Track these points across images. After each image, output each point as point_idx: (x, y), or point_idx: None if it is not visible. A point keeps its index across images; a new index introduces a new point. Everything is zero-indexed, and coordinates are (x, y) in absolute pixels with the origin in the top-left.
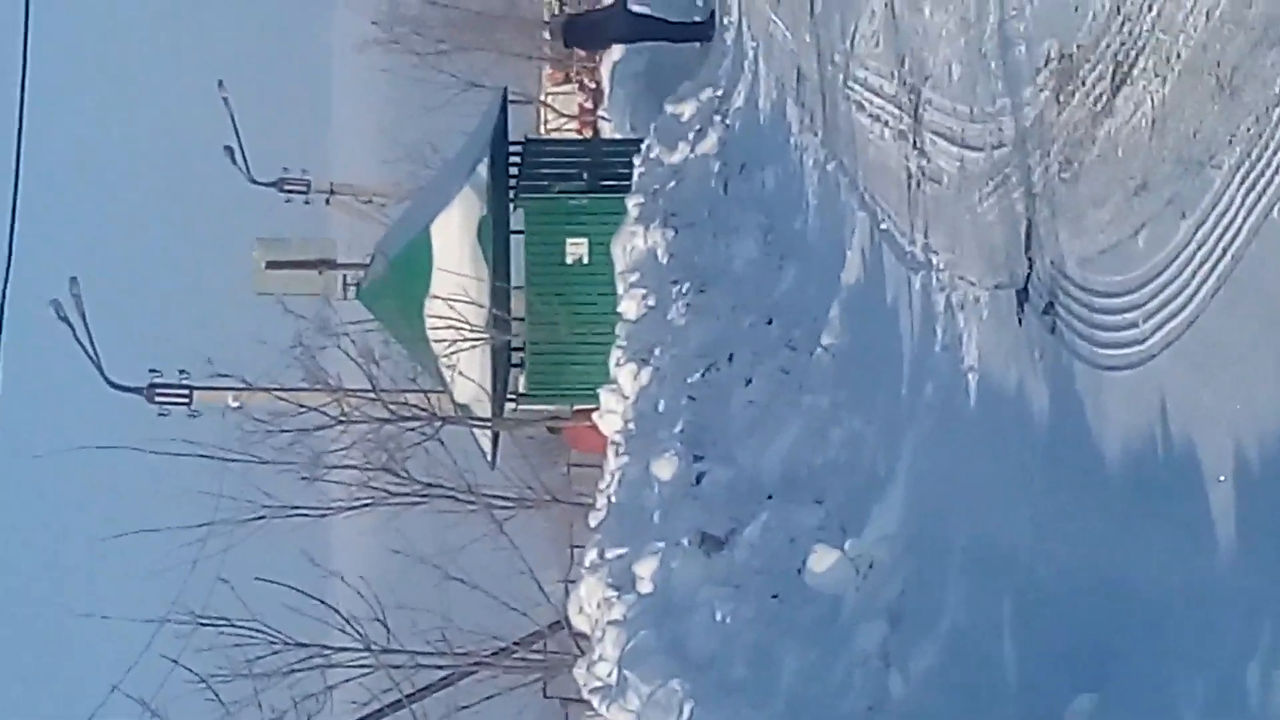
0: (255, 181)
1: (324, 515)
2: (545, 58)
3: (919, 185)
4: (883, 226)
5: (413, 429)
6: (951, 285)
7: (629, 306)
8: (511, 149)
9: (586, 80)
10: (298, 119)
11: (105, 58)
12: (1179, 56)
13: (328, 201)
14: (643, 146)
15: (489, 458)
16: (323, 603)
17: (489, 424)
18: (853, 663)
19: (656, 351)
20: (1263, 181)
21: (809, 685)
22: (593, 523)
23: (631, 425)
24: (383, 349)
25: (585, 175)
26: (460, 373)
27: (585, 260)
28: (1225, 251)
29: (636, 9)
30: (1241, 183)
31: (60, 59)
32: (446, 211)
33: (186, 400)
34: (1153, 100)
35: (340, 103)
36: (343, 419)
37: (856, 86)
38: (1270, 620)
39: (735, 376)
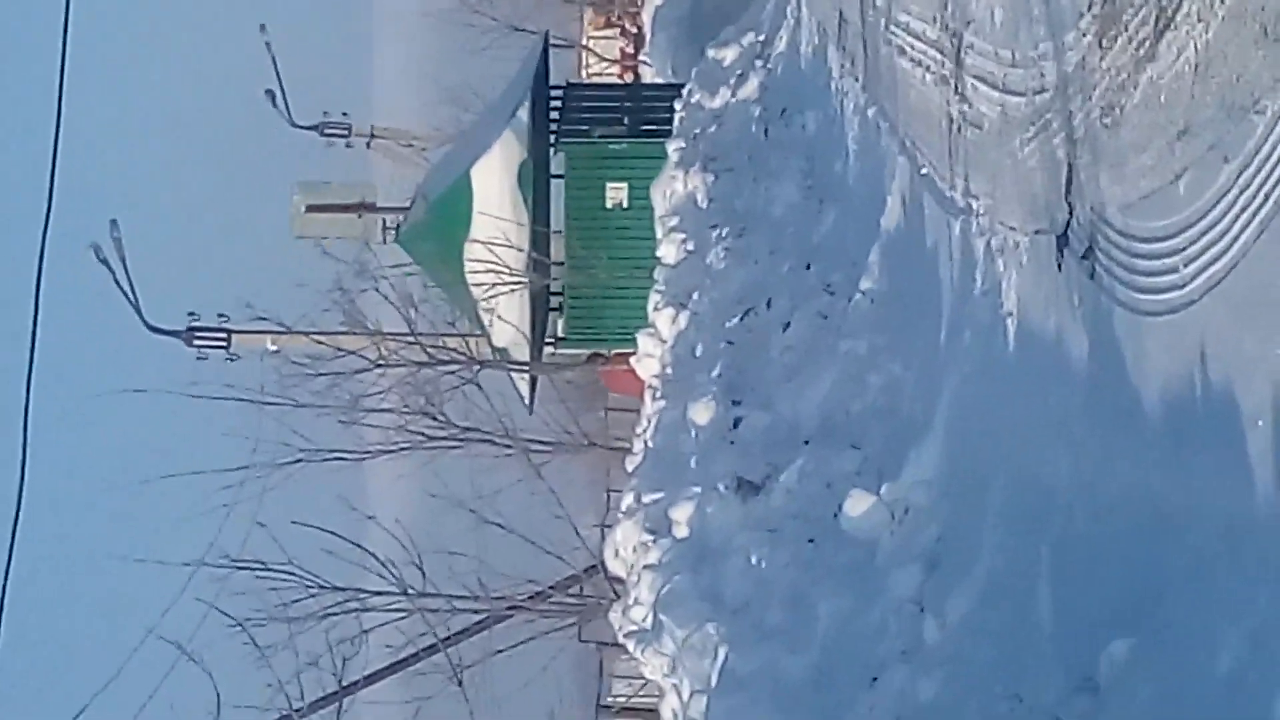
0: (296, 125)
1: (361, 459)
2: (587, 2)
3: (960, 130)
4: (923, 171)
5: (451, 373)
6: (991, 230)
7: (668, 251)
8: (552, 93)
9: (628, 25)
10: (339, 62)
11: (148, 2)
12: (1222, 2)
13: (368, 145)
14: (684, 91)
15: (526, 402)
16: (359, 547)
17: (527, 368)
18: (888, 608)
19: (695, 296)
20: None
21: (844, 630)
22: (630, 467)
23: (669, 370)
24: (421, 293)
25: (626, 120)
26: (499, 316)
27: (625, 205)
28: (1267, 197)
29: None
30: None
31: (101, 4)
32: (487, 155)
33: (225, 344)
34: (1196, 46)
35: (381, 46)
36: (381, 363)
37: (898, 31)
38: None
39: (773, 321)
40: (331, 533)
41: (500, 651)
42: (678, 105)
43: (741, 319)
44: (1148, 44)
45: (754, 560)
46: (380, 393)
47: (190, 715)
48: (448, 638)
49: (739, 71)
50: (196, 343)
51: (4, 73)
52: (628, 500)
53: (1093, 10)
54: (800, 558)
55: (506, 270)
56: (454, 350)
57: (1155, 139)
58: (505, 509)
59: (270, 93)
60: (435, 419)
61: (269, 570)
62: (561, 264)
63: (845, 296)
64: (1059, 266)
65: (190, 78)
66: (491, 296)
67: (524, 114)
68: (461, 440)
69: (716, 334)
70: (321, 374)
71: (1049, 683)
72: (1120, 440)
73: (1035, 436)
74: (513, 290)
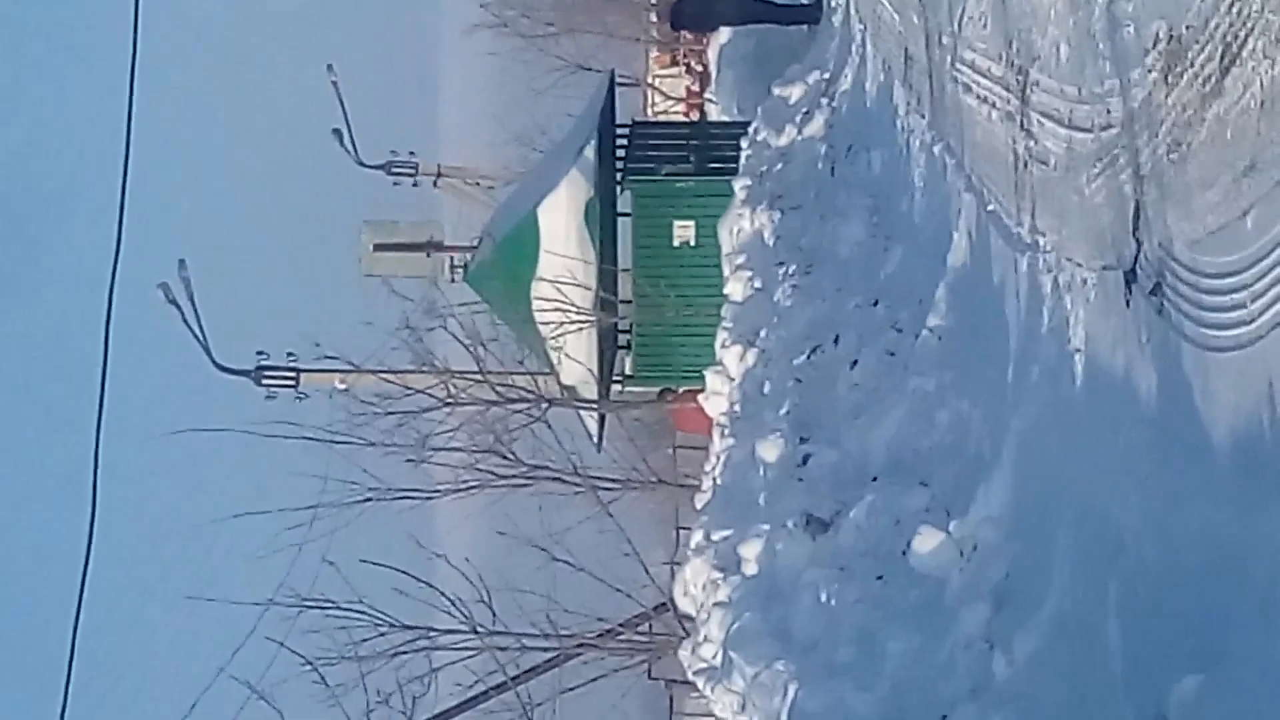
0: (363, 164)
1: (430, 498)
2: (652, 40)
3: (1026, 166)
4: (989, 208)
5: (519, 411)
6: (1058, 267)
7: (735, 288)
8: (619, 132)
9: (693, 63)
10: (406, 102)
11: (215, 42)
12: None
13: (435, 184)
14: (750, 129)
15: (595, 440)
16: (428, 585)
17: (595, 406)
18: (957, 645)
19: (762, 333)
20: None
21: (913, 667)
22: (698, 504)
23: (737, 407)
24: (489, 331)
25: (692, 158)
26: (567, 355)
27: (692, 242)
28: None
29: None
30: None
31: (170, 43)
32: (554, 194)
33: (294, 383)
34: (1262, 81)
35: (448, 85)
36: (449, 401)
37: (964, 68)
38: None
39: (841, 358)
40: (401, 571)
41: (570, 689)
42: (744, 143)
43: (809, 356)
44: (1214, 80)
45: (823, 598)
46: (449, 431)
47: None
48: (517, 676)
49: (805, 109)
50: (265, 382)
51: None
52: (696, 538)
53: (1158, 47)
54: (869, 595)
55: (574, 309)
56: (522, 388)
57: (1222, 175)
58: (574, 547)
59: (337, 132)
60: (504, 457)
61: (339, 609)
62: (629, 302)
63: (912, 333)
64: (1126, 303)
65: (258, 117)
66: (559, 335)
67: (590, 152)
68: (530, 478)
69: (784, 371)
70: (390, 413)
71: (1119, 719)
72: (1189, 477)
73: (1103, 473)
74: (580, 329)
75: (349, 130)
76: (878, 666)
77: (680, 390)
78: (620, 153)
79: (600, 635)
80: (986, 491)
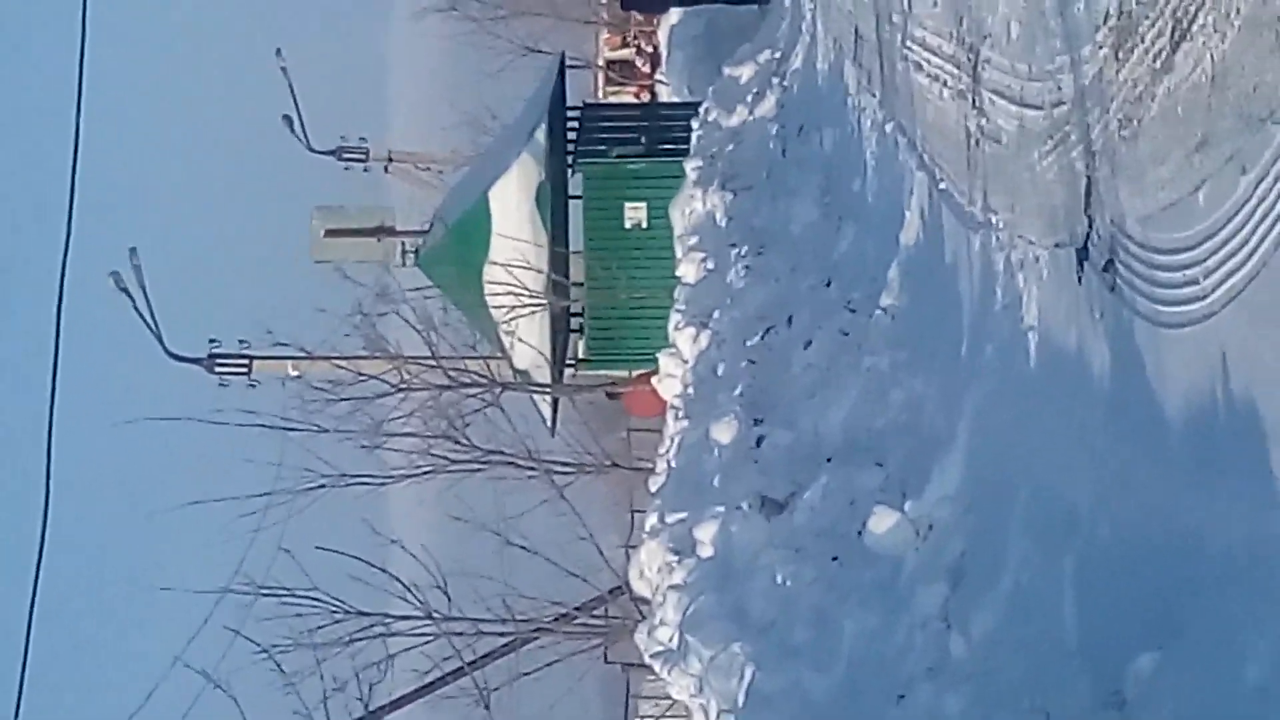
0: (314, 150)
1: (384, 483)
2: (603, 22)
3: (978, 144)
4: (941, 186)
5: (473, 395)
6: (1011, 244)
7: (688, 270)
8: (569, 114)
9: (644, 44)
10: (355, 87)
11: (163, 29)
12: (1238, 12)
13: (386, 169)
14: (701, 110)
15: (549, 423)
16: (384, 571)
17: (549, 390)
18: (914, 624)
19: (716, 315)
20: None
21: (870, 647)
22: (653, 487)
23: (691, 389)
24: (442, 315)
25: (643, 139)
26: (520, 338)
27: (644, 224)
28: None
29: None
30: None
31: (118, 31)
32: (505, 177)
33: (246, 370)
34: (1212, 57)
35: (398, 70)
36: (402, 386)
37: (914, 46)
38: None
39: (794, 339)
40: (356, 558)
41: (527, 674)
42: (695, 124)
43: (763, 337)
44: (1164, 55)
45: (779, 579)
46: (402, 417)
47: None
48: (474, 661)
49: (756, 89)
50: (218, 370)
51: (21, 103)
52: (651, 520)
53: (1108, 23)
54: (825, 576)
55: (526, 292)
56: (475, 373)
57: (1173, 151)
58: (529, 531)
59: (288, 118)
60: (458, 442)
61: (294, 596)
62: (581, 285)
63: (866, 313)
64: (1079, 280)
65: (207, 104)
66: (512, 319)
67: (541, 135)
68: (484, 463)
69: (738, 353)
70: (343, 399)
71: (1076, 697)
72: (1143, 453)
73: (1058, 450)
74: (533, 312)
75: (299, 116)
76: (834, 647)
77: (628, 381)
78: (571, 135)
79: (556, 619)
80: (941, 471)
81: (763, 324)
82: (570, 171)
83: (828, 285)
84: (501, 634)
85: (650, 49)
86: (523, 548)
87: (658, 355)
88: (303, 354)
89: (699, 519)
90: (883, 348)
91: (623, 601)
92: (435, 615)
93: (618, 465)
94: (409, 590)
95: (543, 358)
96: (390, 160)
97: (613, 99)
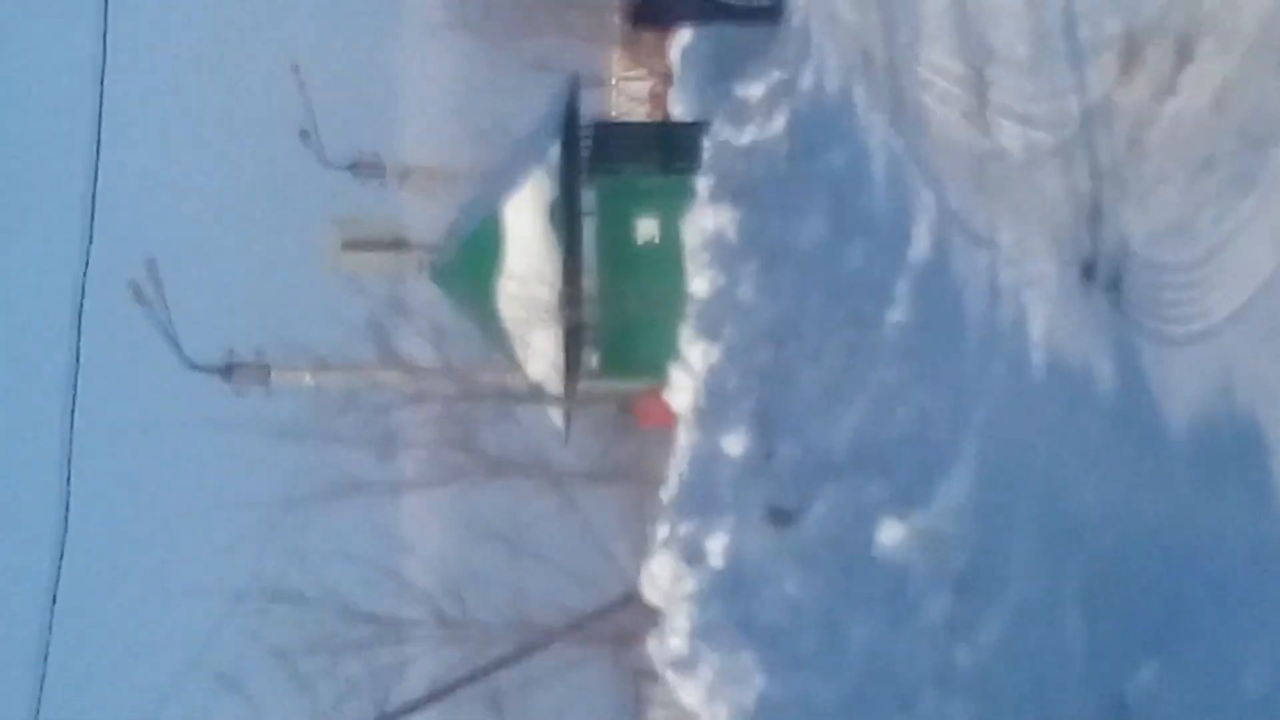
0: (330, 164)
1: (398, 492)
2: (616, 41)
3: (985, 164)
4: (949, 205)
5: (486, 406)
6: (1017, 262)
7: (699, 285)
8: (583, 132)
9: (656, 63)
10: (370, 102)
11: (181, 42)
12: (1241, 36)
13: (401, 183)
14: (712, 128)
15: (562, 434)
16: (398, 577)
17: (561, 402)
18: (920, 634)
19: (726, 329)
20: None
21: (877, 656)
22: (664, 498)
23: (702, 402)
24: (456, 327)
25: (655, 157)
26: (533, 352)
27: (656, 240)
28: None
29: None
30: None
31: (137, 44)
32: (519, 193)
33: (263, 380)
34: (1216, 79)
35: (412, 86)
36: (417, 396)
37: (923, 67)
38: None
39: (804, 353)
40: (370, 564)
41: (538, 681)
42: (706, 142)
43: (773, 351)
44: (1169, 78)
45: (788, 589)
46: (416, 426)
47: None
48: (486, 667)
49: (766, 108)
50: (235, 379)
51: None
52: (663, 531)
53: (1114, 46)
54: (833, 586)
55: (539, 306)
56: (489, 384)
57: (1178, 171)
58: (542, 540)
59: (305, 134)
60: (471, 451)
61: (309, 601)
62: (594, 299)
63: (874, 328)
64: (1085, 297)
65: (225, 118)
66: (525, 332)
67: (555, 152)
68: (497, 472)
69: (748, 366)
70: (358, 408)
71: (1079, 705)
72: (1147, 466)
73: (1063, 464)
74: (546, 325)
75: (315, 130)
76: (842, 656)
77: (643, 394)
78: (584, 152)
79: (568, 627)
80: (948, 483)
81: (773, 338)
82: (583, 188)
83: (837, 301)
84: (514, 641)
85: (663, 69)
86: (535, 556)
87: (670, 368)
88: (319, 364)
89: (710, 530)
90: (891, 362)
91: (635, 610)
92: (448, 621)
93: (630, 476)
94: (423, 596)
95: (556, 370)
96: (405, 175)
97: (625, 118)
